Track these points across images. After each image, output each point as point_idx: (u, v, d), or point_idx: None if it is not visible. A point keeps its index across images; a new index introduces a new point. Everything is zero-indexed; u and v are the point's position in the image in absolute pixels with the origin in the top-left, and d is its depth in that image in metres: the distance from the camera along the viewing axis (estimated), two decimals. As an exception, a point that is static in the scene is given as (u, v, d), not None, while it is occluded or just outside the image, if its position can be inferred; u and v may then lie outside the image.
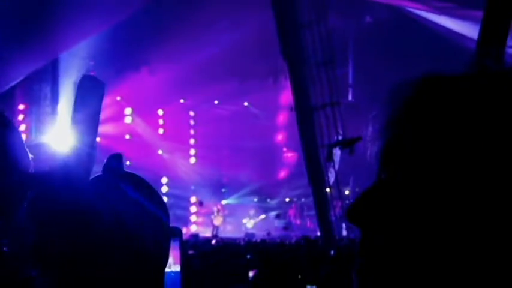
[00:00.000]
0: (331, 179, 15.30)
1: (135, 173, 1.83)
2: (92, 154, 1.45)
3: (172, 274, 2.27)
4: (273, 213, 25.88)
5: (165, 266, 1.74)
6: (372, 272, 0.94)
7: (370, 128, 1.01)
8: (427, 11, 17.20)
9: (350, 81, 21.58)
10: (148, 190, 1.75)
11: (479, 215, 0.87)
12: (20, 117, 19.49)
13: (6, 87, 17.58)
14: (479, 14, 3.32)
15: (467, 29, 17.22)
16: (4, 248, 1.51)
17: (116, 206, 1.61)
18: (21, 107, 19.58)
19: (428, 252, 0.89)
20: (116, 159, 1.71)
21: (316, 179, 15.11)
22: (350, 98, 21.21)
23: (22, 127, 19.35)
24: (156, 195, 1.77)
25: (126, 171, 1.79)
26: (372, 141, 0.98)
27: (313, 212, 18.28)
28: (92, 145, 1.42)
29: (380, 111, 0.98)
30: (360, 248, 0.96)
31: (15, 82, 17.74)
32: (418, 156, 0.91)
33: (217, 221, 23.93)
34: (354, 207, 0.95)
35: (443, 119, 0.90)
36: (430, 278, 0.90)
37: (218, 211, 24.38)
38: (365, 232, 0.95)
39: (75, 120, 1.40)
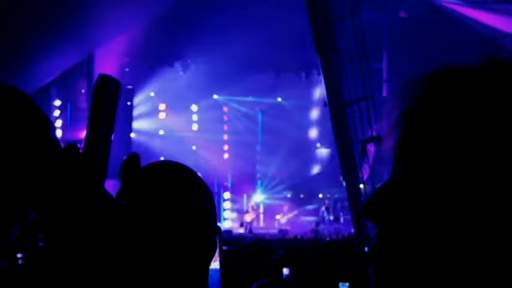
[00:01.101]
0: (365, 175, 15.24)
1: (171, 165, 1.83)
2: (106, 152, 1.45)
3: (211, 272, 2.25)
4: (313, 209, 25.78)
5: (206, 265, 1.74)
6: (388, 267, 0.94)
7: (385, 122, 1.00)
8: (462, 5, 17.03)
9: (384, 76, 21.45)
10: (178, 186, 1.75)
11: (495, 212, 0.86)
12: (56, 113, 19.67)
13: (43, 83, 17.75)
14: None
15: (505, 24, 17.05)
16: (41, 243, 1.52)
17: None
18: (57, 102, 19.75)
19: (444, 247, 0.88)
20: (133, 159, 1.71)
21: (350, 174, 15.06)
22: (384, 93, 21.08)
23: (58, 123, 19.52)
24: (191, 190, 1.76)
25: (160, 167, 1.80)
26: (387, 136, 0.98)
27: (347, 209, 18.25)
28: (107, 143, 1.42)
29: (394, 105, 0.97)
30: (376, 244, 0.96)
31: (51, 78, 17.90)
32: (433, 151, 0.90)
33: (249, 217, 23.95)
34: (370, 203, 0.94)
35: (457, 113, 0.90)
36: (445, 273, 0.89)
37: (252, 208, 24.40)
38: (381, 228, 0.95)
39: (91, 120, 1.41)
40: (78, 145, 1.37)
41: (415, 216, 0.90)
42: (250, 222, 23.83)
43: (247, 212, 24.42)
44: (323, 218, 24.80)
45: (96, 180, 1.42)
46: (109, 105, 1.47)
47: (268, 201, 26.65)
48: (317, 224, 23.43)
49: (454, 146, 0.88)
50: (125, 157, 1.70)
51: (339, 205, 24.29)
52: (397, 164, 0.95)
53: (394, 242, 0.93)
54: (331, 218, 24.57)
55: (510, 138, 0.87)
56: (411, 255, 0.91)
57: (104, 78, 1.45)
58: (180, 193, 1.69)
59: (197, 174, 1.81)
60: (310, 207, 26.05)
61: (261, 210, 26.18)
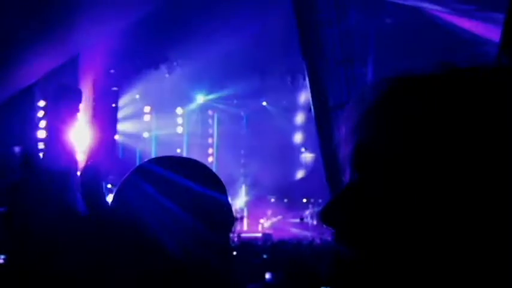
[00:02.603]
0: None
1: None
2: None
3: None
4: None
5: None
6: (343, 273, 0.95)
7: (342, 129, 1.01)
8: (447, 13, 17.13)
9: (369, 81, 21.52)
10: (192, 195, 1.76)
11: (449, 219, 0.86)
12: (40, 113, 19.57)
13: (27, 84, 17.67)
14: (501, 16, 3.30)
15: (488, 32, 17.14)
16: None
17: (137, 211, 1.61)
18: (41, 103, 19.66)
19: (398, 251, 0.89)
20: (150, 163, 1.72)
21: (334, 179, 15.09)
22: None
23: (42, 124, 19.43)
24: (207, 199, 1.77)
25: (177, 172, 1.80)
26: (344, 142, 0.98)
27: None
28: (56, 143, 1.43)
29: (351, 111, 0.98)
30: (331, 250, 0.97)
31: (35, 79, 17.83)
32: (385, 158, 0.91)
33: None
34: (327, 209, 0.95)
35: (407, 120, 0.91)
36: (402, 277, 0.89)
37: (235, 212, 24.41)
38: (337, 233, 0.96)
39: (48, 124, 1.41)
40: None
41: (369, 222, 0.91)
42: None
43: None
44: (306, 223, 24.83)
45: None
46: (64, 111, 1.47)
47: (252, 204, 26.67)
48: (301, 218, 23.57)
49: (404, 153, 0.89)
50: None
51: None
52: (353, 170, 0.95)
53: (350, 245, 0.94)
54: (315, 222, 24.61)
55: (458, 144, 0.87)
56: (366, 258, 0.92)
57: (60, 88, 1.44)
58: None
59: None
60: (293, 211, 26.09)
61: (245, 214, 26.18)
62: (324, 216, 0.96)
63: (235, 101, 26.37)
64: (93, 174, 21.17)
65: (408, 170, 0.89)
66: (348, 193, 0.95)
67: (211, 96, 26.11)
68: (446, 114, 0.89)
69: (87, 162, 20.90)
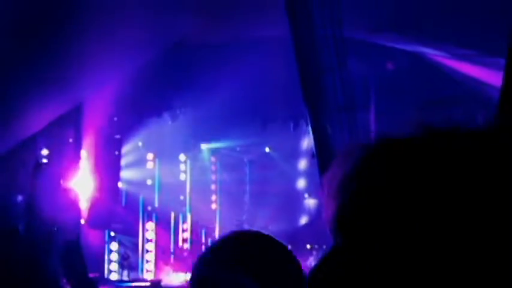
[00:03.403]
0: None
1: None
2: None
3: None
4: None
5: None
6: None
7: (324, 191, 1.02)
8: (447, 57, 17.24)
9: (372, 127, 21.55)
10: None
11: (431, 284, 0.87)
12: (43, 162, 19.60)
13: (30, 133, 17.73)
14: (501, 61, 3.32)
15: (490, 76, 17.22)
16: None
17: None
18: (44, 152, 19.70)
19: None
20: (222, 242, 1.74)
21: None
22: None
23: (45, 172, 19.44)
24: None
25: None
26: (326, 205, 0.99)
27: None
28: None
29: (332, 174, 0.99)
30: None
31: (39, 127, 17.89)
32: (367, 222, 0.93)
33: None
34: (313, 276, 0.97)
35: (390, 185, 0.94)
36: None
37: None
38: None
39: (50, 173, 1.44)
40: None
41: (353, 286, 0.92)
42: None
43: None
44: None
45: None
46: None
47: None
48: None
49: (385, 217, 0.92)
50: None
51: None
52: (336, 234, 0.96)
53: None
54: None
55: (436, 209, 0.89)
56: None
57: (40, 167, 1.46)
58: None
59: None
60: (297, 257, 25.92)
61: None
62: (312, 283, 0.96)
63: (238, 148, 26.42)
64: (98, 223, 21.13)
65: (386, 236, 0.91)
66: (332, 258, 0.97)
67: (214, 143, 26.18)
68: (420, 180, 0.91)
69: (90, 210, 20.89)
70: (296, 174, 26.53)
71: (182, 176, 26.17)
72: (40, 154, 19.57)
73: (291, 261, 1.74)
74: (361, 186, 0.96)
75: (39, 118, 17.31)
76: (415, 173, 0.92)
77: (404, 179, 0.92)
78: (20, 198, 18.59)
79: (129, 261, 23.75)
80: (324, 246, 24.61)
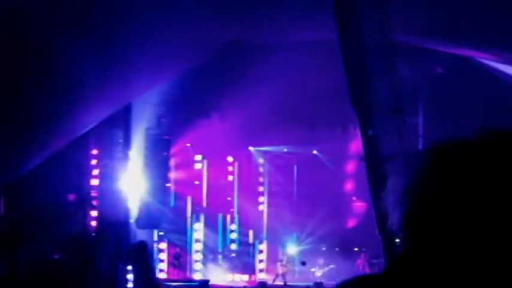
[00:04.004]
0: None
1: None
2: None
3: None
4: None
5: None
6: None
7: (390, 197, 1.05)
8: (497, 61, 17.00)
9: (420, 131, 21.39)
10: None
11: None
12: (93, 162, 19.83)
13: (81, 133, 17.96)
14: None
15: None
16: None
17: None
18: (94, 152, 19.92)
19: None
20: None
21: (386, 230, 14.93)
22: (421, 147, 20.96)
23: (95, 172, 19.67)
24: None
25: None
26: (393, 210, 1.01)
27: (382, 262, 18.08)
28: None
29: (398, 179, 1.02)
30: None
31: (89, 128, 18.10)
32: (435, 227, 0.95)
33: (281, 270, 23.88)
34: (385, 277, 1.00)
35: (454, 189, 0.95)
36: None
37: (282, 261, 24.29)
38: None
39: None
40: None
41: None
42: (283, 275, 23.68)
43: (278, 263, 24.33)
44: (358, 272, 24.56)
45: None
46: None
47: (303, 252, 26.50)
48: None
49: (455, 221, 0.93)
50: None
51: (374, 260, 24.05)
52: (404, 239, 0.99)
53: None
54: (366, 271, 24.33)
55: (504, 212, 0.91)
56: None
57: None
58: None
59: None
60: (345, 260, 25.82)
61: (295, 263, 26.04)
62: (383, 284, 1.00)
63: (285, 149, 26.37)
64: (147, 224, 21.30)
65: (455, 240, 0.93)
66: (401, 261, 0.99)
67: (261, 145, 26.17)
68: (487, 184, 0.93)
69: (139, 210, 21.07)
70: (344, 177, 26.40)
71: (230, 177, 26.21)
72: (90, 154, 19.80)
73: None
74: (428, 192, 0.97)
75: (90, 118, 17.52)
76: (482, 177, 0.93)
77: (471, 184, 0.93)
78: (71, 197, 18.86)
79: (180, 261, 23.90)
80: (372, 249, 24.44)
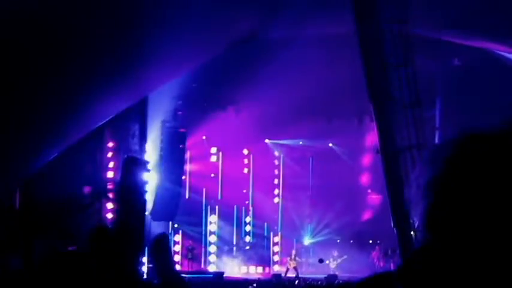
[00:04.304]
0: (417, 222, 15.01)
1: None
2: None
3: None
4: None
5: None
6: None
7: (412, 190, 1.03)
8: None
9: (437, 123, 21.32)
10: None
11: None
12: (109, 154, 19.87)
13: (97, 125, 17.99)
14: None
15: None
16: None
17: None
18: (110, 144, 19.96)
19: None
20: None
21: (401, 222, 14.90)
22: (437, 140, 20.92)
23: (111, 164, 19.71)
24: None
25: None
26: (415, 203, 1.00)
27: (398, 256, 18.06)
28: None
29: (421, 172, 1.00)
30: None
31: (105, 120, 18.14)
32: (460, 220, 0.94)
33: (291, 264, 23.89)
34: (403, 271, 0.99)
35: (481, 181, 0.93)
36: None
37: (294, 255, 24.28)
38: None
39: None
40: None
41: (446, 284, 0.94)
42: (295, 268, 23.67)
43: (290, 257, 24.32)
44: (373, 264, 24.56)
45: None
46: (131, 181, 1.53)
47: (318, 244, 26.53)
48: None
49: (480, 214, 0.92)
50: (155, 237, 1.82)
51: (389, 252, 24.03)
52: (427, 230, 0.97)
53: None
54: (381, 264, 24.33)
55: None
56: None
57: (130, 160, 1.52)
58: None
59: None
60: (360, 252, 25.81)
61: (310, 254, 26.07)
62: (401, 278, 0.98)
63: (301, 142, 26.36)
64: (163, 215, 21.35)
65: (481, 233, 0.91)
66: (423, 254, 0.97)
67: (277, 138, 26.16)
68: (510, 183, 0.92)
69: (154, 202, 21.12)
70: (359, 169, 26.36)
71: (245, 170, 26.23)
72: (106, 146, 19.85)
73: None
74: (452, 185, 0.96)
75: (106, 111, 17.55)
76: (506, 170, 0.92)
77: (495, 178, 0.92)
78: (87, 189, 18.93)
79: (194, 253, 23.97)
80: (386, 242, 24.41)
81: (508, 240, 0.90)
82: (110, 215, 18.92)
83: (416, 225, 15.17)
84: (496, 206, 0.91)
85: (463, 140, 0.99)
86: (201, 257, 24.67)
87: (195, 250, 24.04)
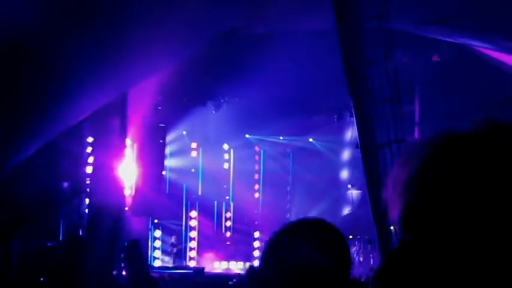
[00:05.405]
0: (394, 221, 15.03)
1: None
2: None
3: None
4: None
5: None
6: None
7: (389, 189, 1.03)
8: (495, 50, 16.98)
9: (416, 118, 21.40)
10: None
11: (500, 280, 0.88)
12: (89, 149, 19.78)
13: (77, 120, 17.90)
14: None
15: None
16: None
17: None
18: (89, 139, 19.88)
19: None
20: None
21: (381, 216, 14.94)
22: (416, 135, 20.98)
23: (90, 159, 19.63)
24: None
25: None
26: (393, 202, 1.00)
27: (377, 250, 18.11)
28: None
29: (398, 171, 1.00)
30: None
31: (85, 115, 18.04)
32: (437, 219, 0.93)
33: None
34: (382, 270, 0.98)
35: (456, 181, 0.93)
36: None
37: None
38: None
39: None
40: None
41: (424, 283, 0.93)
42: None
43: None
44: (353, 259, 24.61)
45: None
46: None
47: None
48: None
49: (457, 214, 0.92)
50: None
51: (369, 247, 24.10)
52: (403, 230, 0.97)
53: None
54: (361, 259, 24.40)
55: (507, 205, 0.89)
56: None
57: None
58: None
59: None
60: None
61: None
62: (379, 278, 0.98)
63: (281, 137, 26.39)
64: (142, 211, 21.30)
65: (458, 232, 0.91)
66: (400, 254, 0.97)
67: (257, 133, 26.17)
68: (489, 176, 0.91)
69: (134, 198, 21.06)
70: (339, 164, 26.45)
71: (226, 165, 26.23)
72: (86, 142, 19.75)
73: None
74: (429, 184, 0.95)
75: (86, 107, 17.46)
76: (482, 170, 0.92)
77: (471, 177, 0.92)
78: (65, 184, 18.83)
79: (178, 249, 23.94)
80: (366, 237, 24.49)
81: (485, 238, 0.90)
82: (89, 211, 18.86)
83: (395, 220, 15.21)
84: (472, 205, 0.91)
85: (440, 139, 0.99)
86: (182, 253, 24.65)
87: (178, 246, 24.02)
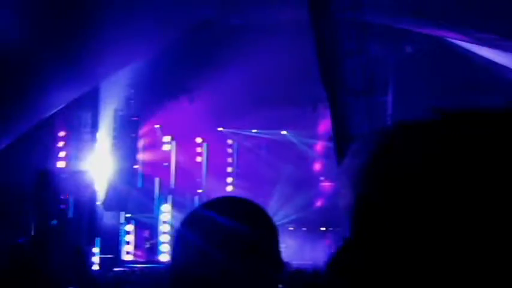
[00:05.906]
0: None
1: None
2: None
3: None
4: None
5: None
6: None
7: (338, 181, 1.00)
8: (468, 41, 17.13)
9: (390, 110, 21.54)
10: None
11: (447, 280, 0.86)
12: (60, 143, 19.69)
13: (48, 114, 17.78)
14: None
15: (509, 60, 17.13)
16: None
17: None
18: (61, 133, 19.78)
19: None
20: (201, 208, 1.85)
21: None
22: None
23: (62, 154, 19.53)
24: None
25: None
26: (342, 195, 0.97)
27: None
28: None
29: (348, 163, 0.97)
30: None
31: (56, 109, 17.93)
32: (386, 213, 0.90)
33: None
34: (332, 264, 0.96)
35: (410, 174, 0.89)
36: None
37: None
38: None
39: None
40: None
41: (369, 278, 0.91)
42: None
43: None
44: (326, 252, 24.75)
45: None
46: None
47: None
48: None
49: (405, 208, 0.89)
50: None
51: (341, 239, 24.25)
52: (353, 225, 0.95)
53: None
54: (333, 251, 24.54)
55: (458, 198, 0.86)
56: None
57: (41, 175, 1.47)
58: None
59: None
60: (312, 240, 26.03)
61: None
62: (331, 269, 0.97)
63: (254, 130, 26.46)
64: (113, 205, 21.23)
65: (406, 224, 0.88)
66: (349, 248, 0.95)
67: (230, 126, 26.23)
68: (441, 166, 0.88)
69: (106, 192, 20.99)
70: (313, 157, 26.61)
71: (199, 159, 26.27)
72: (57, 136, 19.66)
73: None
74: (379, 176, 0.92)
75: (57, 100, 17.35)
76: (433, 161, 0.88)
77: (422, 167, 0.88)
78: (37, 179, 18.70)
79: (152, 243, 23.92)
80: (338, 229, 24.68)
81: (434, 230, 0.87)
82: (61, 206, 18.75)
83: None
84: (423, 198, 0.88)
85: (391, 130, 0.95)
86: (154, 247, 24.62)
87: (152, 240, 23.98)
